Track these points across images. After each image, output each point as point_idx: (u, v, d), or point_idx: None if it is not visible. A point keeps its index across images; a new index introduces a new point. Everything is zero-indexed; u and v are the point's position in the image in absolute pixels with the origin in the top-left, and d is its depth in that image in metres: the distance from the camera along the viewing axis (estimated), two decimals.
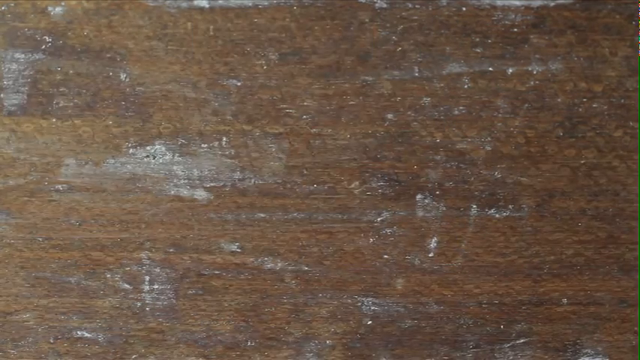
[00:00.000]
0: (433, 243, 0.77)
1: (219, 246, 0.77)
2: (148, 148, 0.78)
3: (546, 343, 0.76)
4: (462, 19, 0.79)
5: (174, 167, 0.77)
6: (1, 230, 0.77)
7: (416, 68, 0.79)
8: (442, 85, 0.78)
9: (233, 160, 0.78)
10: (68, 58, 0.79)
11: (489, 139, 0.78)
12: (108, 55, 0.79)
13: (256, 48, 0.79)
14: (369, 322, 0.76)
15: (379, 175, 0.78)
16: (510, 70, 0.79)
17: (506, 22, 0.79)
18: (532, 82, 0.79)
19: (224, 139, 0.78)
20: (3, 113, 0.78)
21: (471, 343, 0.76)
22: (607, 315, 0.76)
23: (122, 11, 0.79)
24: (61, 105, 0.78)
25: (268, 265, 0.77)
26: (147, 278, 0.76)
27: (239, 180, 0.78)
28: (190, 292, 0.76)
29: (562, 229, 0.77)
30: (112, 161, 0.78)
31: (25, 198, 0.77)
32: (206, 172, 0.78)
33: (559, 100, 0.78)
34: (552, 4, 0.79)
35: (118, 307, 0.76)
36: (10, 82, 0.78)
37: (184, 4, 0.79)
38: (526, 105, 0.78)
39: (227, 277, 0.77)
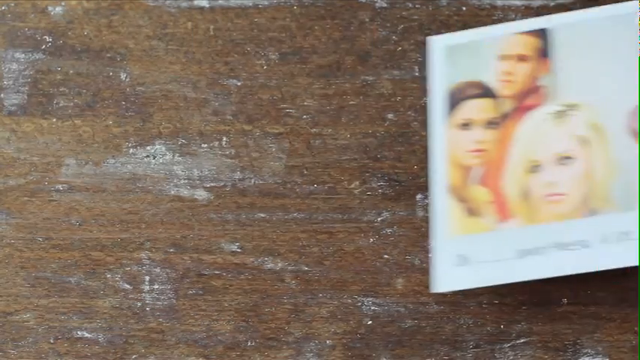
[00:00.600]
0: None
1: (220, 246, 0.77)
2: (148, 148, 0.78)
3: (546, 343, 0.76)
4: (461, 19, 0.79)
5: (175, 167, 0.77)
6: (1, 230, 0.77)
7: (416, 68, 0.79)
8: None
9: (233, 160, 0.78)
10: (68, 58, 0.79)
11: None
12: (108, 55, 0.79)
13: (256, 48, 0.79)
14: (369, 322, 0.76)
15: (379, 175, 0.78)
16: None
17: (507, 22, 0.79)
18: None
19: (224, 139, 0.78)
20: (3, 113, 0.78)
21: (471, 343, 0.76)
22: (607, 315, 0.76)
23: (122, 11, 0.79)
24: (61, 105, 0.78)
25: (268, 265, 0.77)
26: (147, 278, 0.76)
27: (239, 180, 0.78)
28: (190, 292, 0.76)
29: None
30: (112, 161, 0.78)
31: (25, 198, 0.77)
32: (206, 172, 0.78)
33: None
34: (552, 4, 0.79)
35: (118, 307, 0.76)
36: (10, 82, 0.78)
37: (184, 4, 0.79)
38: None
39: (227, 277, 0.77)
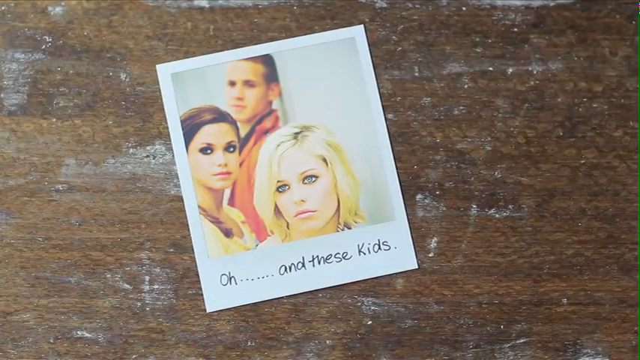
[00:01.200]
0: (433, 243, 0.77)
1: None
2: (148, 148, 0.78)
3: (546, 343, 0.76)
4: (462, 19, 0.79)
5: (174, 167, 0.77)
6: (1, 230, 0.77)
7: (416, 68, 0.79)
8: (442, 85, 0.78)
9: None
10: (68, 58, 0.79)
11: (489, 139, 0.78)
12: (108, 55, 0.79)
13: None
14: (369, 322, 0.76)
15: None
16: (510, 70, 0.79)
17: (506, 22, 0.79)
18: (532, 82, 0.79)
19: None
20: (3, 113, 0.78)
21: (471, 343, 0.76)
22: (607, 315, 0.76)
23: (122, 11, 0.79)
24: (61, 105, 0.78)
25: None
26: (147, 278, 0.76)
27: None
28: (190, 292, 0.76)
29: (562, 229, 0.77)
30: (112, 161, 0.78)
31: (25, 198, 0.77)
32: None
33: (559, 100, 0.78)
34: (552, 4, 0.79)
35: (118, 307, 0.76)
36: (10, 82, 0.78)
37: (184, 4, 0.79)
38: (526, 105, 0.78)
39: None
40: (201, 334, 0.76)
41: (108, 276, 0.76)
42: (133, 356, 0.75)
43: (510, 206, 0.77)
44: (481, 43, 0.79)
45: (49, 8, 0.79)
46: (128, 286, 0.76)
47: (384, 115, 0.77)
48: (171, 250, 0.76)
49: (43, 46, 0.78)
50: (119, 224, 0.77)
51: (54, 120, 0.78)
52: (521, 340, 0.76)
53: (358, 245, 0.76)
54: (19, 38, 0.78)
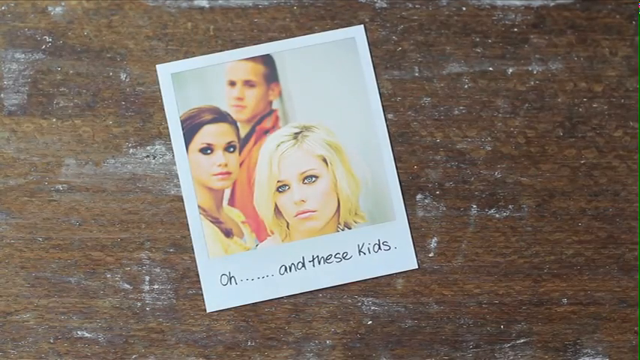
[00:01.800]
0: (433, 243, 0.77)
1: None
2: (148, 148, 0.78)
3: (546, 343, 0.76)
4: (462, 19, 0.79)
5: (174, 167, 0.77)
6: (1, 230, 0.77)
7: (416, 68, 0.79)
8: (442, 85, 0.78)
9: None
10: (68, 58, 0.79)
11: (489, 139, 0.78)
12: (108, 55, 0.79)
13: None
14: (369, 322, 0.76)
15: None
16: (510, 70, 0.79)
17: (506, 22, 0.79)
18: (532, 82, 0.79)
19: None
20: (3, 113, 0.78)
21: (471, 343, 0.76)
22: (607, 315, 0.76)
23: (122, 11, 0.79)
24: (61, 105, 0.78)
25: None
26: (147, 278, 0.76)
27: None
28: (190, 292, 0.76)
29: (562, 229, 0.77)
30: (112, 161, 0.78)
31: (25, 198, 0.77)
32: None
33: (559, 100, 0.78)
34: (552, 4, 0.79)
35: (118, 307, 0.76)
36: (10, 82, 0.78)
37: (184, 4, 0.79)
38: (526, 105, 0.78)
39: None
40: (201, 334, 0.76)
41: (108, 276, 0.76)
42: (133, 356, 0.75)
43: (510, 206, 0.77)
44: (481, 43, 0.79)
45: (49, 8, 0.79)
46: (128, 286, 0.76)
47: (384, 115, 0.77)
48: (171, 250, 0.76)
49: (43, 46, 0.78)
50: (119, 224, 0.77)
51: (54, 120, 0.78)
52: (522, 340, 0.76)
53: (358, 245, 0.76)
54: (19, 38, 0.78)
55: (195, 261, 0.76)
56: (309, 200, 0.76)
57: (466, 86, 0.78)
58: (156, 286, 0.76)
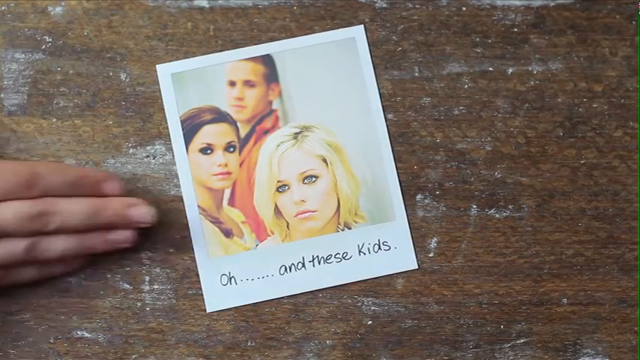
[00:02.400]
0: (433, 243, 0.77)
1: None
2: (148, 148, 0.78)
3: (546, 343, 0.76)
4: (462, 19, 0.79)
5: (174, 167, 0.77)
6: None
7: (416, 68, 0.79)
8: (442, 85, 0.78)
9: None
10: (68, 58, 0.79)
11: (489, 139, 0.78)
12: (108, 55, 0.79)
13: None
14: (369, 322, 0.76)
15: None
16: (510, 70, 0.79)
17: (506, 22, 0.79)
18: (532, 82, 0.79)
19: None
20: (3, 113, 0.78)
21: (471, 343, 0.76)
22: (607, 315, 0.76)
23: (122, 11, 0.79)
24: (61, 105, 0.78)
25: None
26: (147, 278, 0.76)
27: None
28: (190, 292, 0.76)
29: (562, 229, 0.77)
30: (112, 161, 0.78)
31: None
32: None
33: (559, 100, 0.78)
34: (552, 4, 0.79)
35: (118, 307, 0.76)
36: (10, 82, 0.78)
37: (184, 4, 0.79)
38: (526, 105, 0.78)
39: None
40: (201, 334, 0.76)
41: (108, 276, 0.76)
42: (133, 356, 0.75)
43: (510, 206, 0.77)
44: (481, 43, 0.79)
45: (49, 8, 0.79)
46: (128, 286, 0.76)
47: (384, 115, 0.77)
48: (171, 250, 0.76)
49: (43, 46, 0.78)
50: None
51: (54, 120, 0.78)
52: (522, 340, 0.76)
53: (358, 245, 0.76)
54: (19, 38, 0.78)
55: (195, 261, 0.76)
56: (309, 200, 0.76)
57: (466, 86, 0.78)
58: (156, 286, 0.76)
